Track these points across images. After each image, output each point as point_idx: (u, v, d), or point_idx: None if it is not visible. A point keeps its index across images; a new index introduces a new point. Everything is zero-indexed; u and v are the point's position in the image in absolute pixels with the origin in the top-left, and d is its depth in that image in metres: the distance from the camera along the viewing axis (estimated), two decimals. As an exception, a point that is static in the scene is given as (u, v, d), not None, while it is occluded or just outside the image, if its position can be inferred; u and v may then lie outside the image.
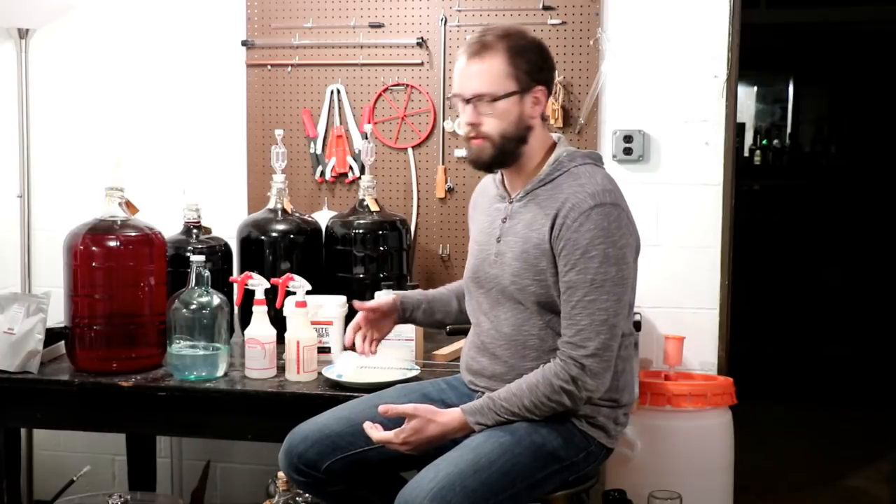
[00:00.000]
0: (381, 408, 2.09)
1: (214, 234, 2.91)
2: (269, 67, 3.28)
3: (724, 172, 3.06)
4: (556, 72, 2.56)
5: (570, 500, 2.23)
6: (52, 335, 2.60)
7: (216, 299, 2.48)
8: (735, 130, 3.09)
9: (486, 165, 2.17)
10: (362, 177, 3.00)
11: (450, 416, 2.08)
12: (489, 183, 2.32)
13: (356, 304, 2.38)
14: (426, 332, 2.69)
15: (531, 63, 2.12)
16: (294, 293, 2.53)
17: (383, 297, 2.45)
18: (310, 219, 2.96)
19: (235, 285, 2.69)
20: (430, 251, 3.24)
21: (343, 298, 2.71)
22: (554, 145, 2.19)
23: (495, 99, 2.09)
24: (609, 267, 2.03)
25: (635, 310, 2.26)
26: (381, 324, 2.39)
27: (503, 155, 2.14)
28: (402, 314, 2.41)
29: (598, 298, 2.03)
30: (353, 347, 2.36)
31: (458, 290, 2.46)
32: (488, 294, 2.21)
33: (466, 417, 2.08)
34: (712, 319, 3.10)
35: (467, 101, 2.11)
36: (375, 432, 2.09)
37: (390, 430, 2.12)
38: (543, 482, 2.09)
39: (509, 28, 2.16)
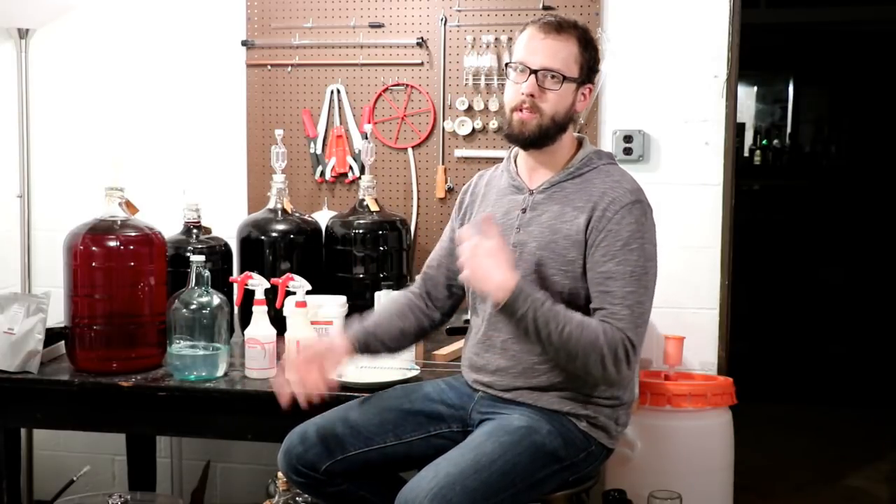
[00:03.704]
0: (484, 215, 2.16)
1: (214, 234, 2.91)
2: (269, 67, 3.28)
3: (723, 172, 3.06)
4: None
5: (570, 500, 2.23)
6: (52, 335, 2.60)
7: (216, 299, 2.48)
8: (735, 130, 3.09)
9: (524, 140, 2.16)
10: (362, 177, 3.00)
11: (507, 274, 2.02)
12: (496, 175, 2.31)
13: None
14: (426, 332, 2.69)
15: (593, 59, 2.18)
16: (294, 293, 2.53)
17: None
18: (310, 219, 2.96)
19: (235, 285, 2.69)
20: (430, 251, 3.22)
21: (343, 298, 2.72)
22: (580, 143, 2.23)
23: (564, 79, 2.11)
24: (647, 262, 2.07)
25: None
26: (314, 372, 2.15)
27: (544, 136, 2.14)
28: (357, 348, 2.23)
29: (637, 291, 2.05)
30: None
31: (396, 309, 2.34)
32: None
33: (513, 289, 2.01)
34: (712, 319, 3.10)
35: (533, 72, 2.11)
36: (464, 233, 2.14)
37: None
38: (543, 482, 2.08)
39: (575, 20, 2.17)
